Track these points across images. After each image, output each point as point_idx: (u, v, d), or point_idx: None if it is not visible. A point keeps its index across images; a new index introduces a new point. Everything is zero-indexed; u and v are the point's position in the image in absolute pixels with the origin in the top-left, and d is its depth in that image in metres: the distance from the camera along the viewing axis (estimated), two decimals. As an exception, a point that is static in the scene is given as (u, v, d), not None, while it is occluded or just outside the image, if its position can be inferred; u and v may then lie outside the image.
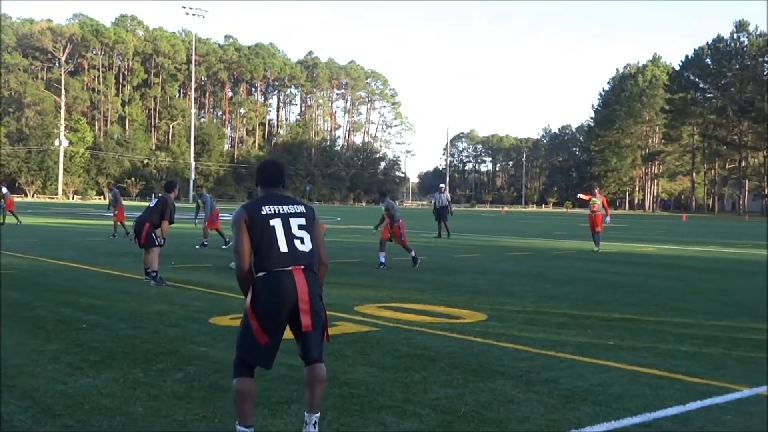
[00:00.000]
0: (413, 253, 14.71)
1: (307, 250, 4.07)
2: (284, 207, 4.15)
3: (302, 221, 4.15)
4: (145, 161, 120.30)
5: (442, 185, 29.26)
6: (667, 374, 5.90)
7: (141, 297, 9.83)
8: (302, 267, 4.00)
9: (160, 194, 11.75)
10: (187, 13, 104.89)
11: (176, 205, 11.78)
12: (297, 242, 4.05)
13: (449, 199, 26.96)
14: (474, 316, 8.71)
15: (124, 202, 26.11)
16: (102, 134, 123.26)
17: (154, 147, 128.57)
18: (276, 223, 4.06)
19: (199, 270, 13.66)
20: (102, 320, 7.96)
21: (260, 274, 3.97)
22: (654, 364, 6.27)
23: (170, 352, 6.40)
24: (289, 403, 4.88)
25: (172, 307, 8.99)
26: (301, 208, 4.19)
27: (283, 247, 4.00)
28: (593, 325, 8.25)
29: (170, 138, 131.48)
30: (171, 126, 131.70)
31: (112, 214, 24.42)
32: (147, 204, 12.14)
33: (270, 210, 4.10)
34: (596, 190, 22.26)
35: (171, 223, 11.43)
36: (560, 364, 6.19)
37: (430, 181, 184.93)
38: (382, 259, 14.53)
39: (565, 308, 9.53)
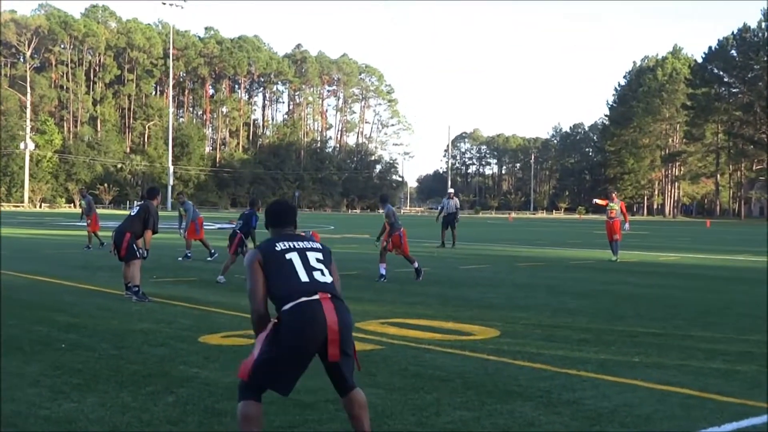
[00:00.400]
0: (416, 265, 14.78)
1: (328, 281, 4.24)
2: (300, 243, 4.38)
3: (320, 255, 4.35)
4: (119, 165, 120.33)
5: (450, 190, 29.47)
6: (699, 393, 5.98)
7: (122, 314, 9.88)
8: (330, 295, 4.15)
9: (141, 201, 11.79)
10: (164, 3, 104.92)
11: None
12: (317, 274, 4.23)
13: (458, 205, 27.09)
14: (486, 332, 8.78)
15: (97, 211, 26.12)
16: (71, 136, 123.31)
17: (128, 150, 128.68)
18: (293, 256, 4.26)
19: (183, 284, 13.72)
20: (82, 340, 8.01)
21: (287, 306, 4.08)
22: (684, 382, 6.35)
23: (159, 373, 6.46)
24: (291, 428, 4.94)
25: (157, 324, 9.05)
26: (318, 245, 4.44)
27: (304, 277, 4.18)
28: (616, 341, 8.34)
29: (146, 140, 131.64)
30: (147, 127, 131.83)
31: (85, 224, 24.45)
32: (128, 212, 12.18)
33: (285, 245, 4.32)
34: (614, 195, 22.30)
35: (155, 232, 11.50)
36: (582, 384, 6.27)
37: (430, 186, 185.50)
38: (383, 271, 14.59)
39: (584, 323, 9.62)
